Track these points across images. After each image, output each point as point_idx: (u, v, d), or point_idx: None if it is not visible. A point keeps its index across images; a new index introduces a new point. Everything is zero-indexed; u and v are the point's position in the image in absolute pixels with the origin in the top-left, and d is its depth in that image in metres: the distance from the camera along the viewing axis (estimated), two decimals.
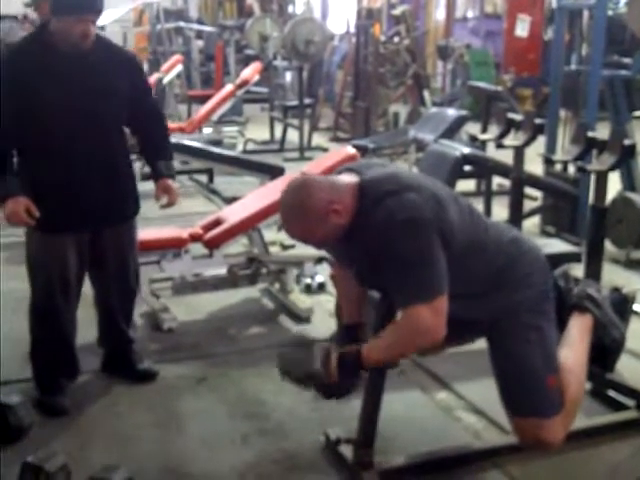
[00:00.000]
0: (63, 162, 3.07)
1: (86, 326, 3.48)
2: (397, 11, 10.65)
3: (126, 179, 3.27)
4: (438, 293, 2.32)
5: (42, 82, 2.99)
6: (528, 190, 5.51)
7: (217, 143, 7.64)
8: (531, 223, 5.73)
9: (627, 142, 3.99)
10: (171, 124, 6.41)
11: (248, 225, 4.13)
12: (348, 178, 2.45)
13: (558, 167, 5.78)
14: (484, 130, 7.15)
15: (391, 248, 2.32)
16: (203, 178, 7.31)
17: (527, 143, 4.78)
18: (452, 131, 6.84)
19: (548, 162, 5.46)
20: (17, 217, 3.01)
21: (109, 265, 3.30)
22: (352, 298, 2.75)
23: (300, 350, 2.51)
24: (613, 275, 4.55)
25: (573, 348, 2.71)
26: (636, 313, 3.60)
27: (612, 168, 3.98)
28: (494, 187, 6.11)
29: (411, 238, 2.30)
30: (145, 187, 3.65)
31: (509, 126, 4.98)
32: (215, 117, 8.47)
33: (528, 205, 5.73)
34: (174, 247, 4.08)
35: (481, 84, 8.67)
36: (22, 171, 3.10)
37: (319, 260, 4.26)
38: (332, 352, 2.45)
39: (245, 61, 11.74)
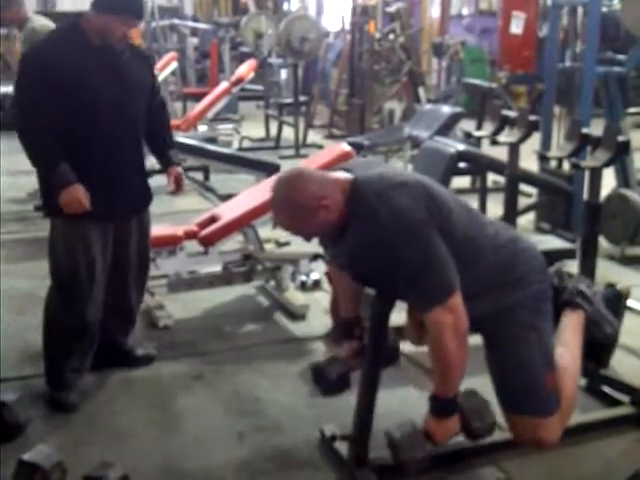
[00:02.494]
0: (102, 152, 3.17)
1: None
2: (392, 8, 10.62)
3: (145, 169, 3.41)
4: (450, 292, 2.35)
5: (84, 74, 3.10)
6: (523, 187, 5.52)
7: (212, 141, 7.62)
8: (526, 220, 5.73)
9: (621, 138, 4.00)
10: None
11: (243, 222, 4.13)
12: (341, 175, 2.46)
13: (553, 164, 5.79)
14: (479, 127, 7.16)
15: (393, 258, 2.34)
16: (199, 176, 7.30)
17: (522, 140, 4.79)
18: (447, 128, 6.84)
19: (543, 159, 5.47)
20: (75, 205, 3.05)
21: (130, 256, 3.38)
22: (348, 293, 2.77)
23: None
24: (608, 271, 4.56)
25: (567, 346, 2.72)
26: (630, 309, 3.62)
27: (606, 164, 3.99)
28: (489, 184, 6.11)
29: (410, 247, 2.32)
30: None
31: (503, 123, 4.99)
32: (210, 115, 8.45)
33: (523, 202, 5.74)
34: (169, 244, 4.07)
35: (476, 81, 8.68)
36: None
37: (314, 257, 4.27)
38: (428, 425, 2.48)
39: (240, 58, 11.71)
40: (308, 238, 2.62)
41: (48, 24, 6.12)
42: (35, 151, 3.09)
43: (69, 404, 3.21)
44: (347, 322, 2.77)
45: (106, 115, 3.13)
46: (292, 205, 2.39)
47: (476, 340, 2.69)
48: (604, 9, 5.58)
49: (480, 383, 2.76)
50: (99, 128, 3.13)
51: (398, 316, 2.73)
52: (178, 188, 3.49)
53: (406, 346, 3.00)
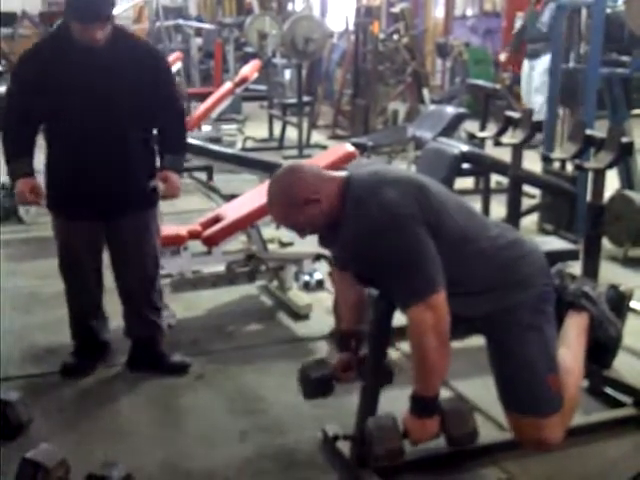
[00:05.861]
0: (76, 150, 3.23)
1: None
2: (396, 9, 10.64)
3: (141, 171, 3.32)
4: (432, 289, 2.34)
5: (61, 72, 3.16)
6: (526, 188, 5.52)
7: (216, 141, 7.64)
8: (529, 221, 5.73)
9: (625, 140, 4.00)
10: None
11: (247, 222, 4.14)
12: (337, 173, 2.52)
13: (556, 165, 5.78)
14: (483, 128, 7.15)
15: (378, 252, 2.36)
16: (202, 176, 7.31)
17: (525, 141, 4.79)
18: (451, 129, 6.83)
19: (546, 160, 5.47)
20: (23, 197, 3.27)
21: (126, 253, 3.41)
22: (350, 303, 2.77)
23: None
24: (611, 273, 4.56)
25: (570, 347, 2.72)
26: (633, 310, 3.62)
27: (609, 166, 3.99)
28: (492, 185, 6.11)
29: (395, 239, 2.33)
30: None
31: (507, 124, 4.99)
32: (214, 115, 8.46)
33: (526, 203, 5.74)
34: (173, 244, 4.08)
35: (480, 82, 8.67)
36: (47, 156, 3.33)
37: (317, 257, 4.27)
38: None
39: (244, 59, 11.72)
40: (301, 233, 2.58)
41: None
42: (4, 142, 3.27)
43: (79, 368, 3.48)
44: (344, 334, 2.77)
45: (77, 112, 3.18)
46: (283, 197, 2.47)
47: (477, 341, 2.69)
48: (608, 10, 5.55)
49: (480, 384, 2.77)
50: (67, 125, 3.21)
51: (400, 317, 2.73)
52: (167, 192, 3.38)
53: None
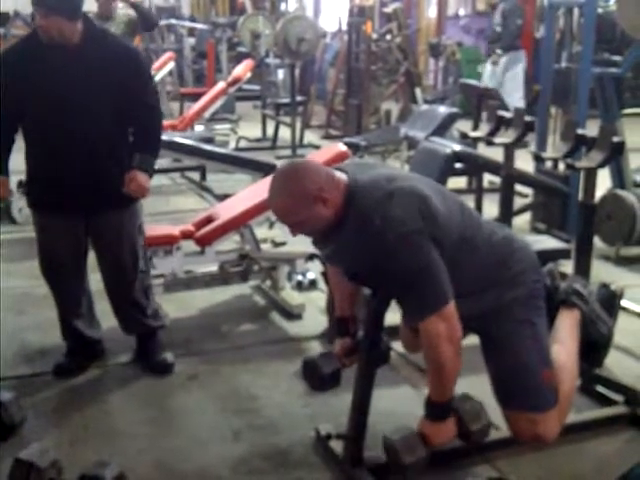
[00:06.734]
0: (48, 149, 3.27)
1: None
2: (389, 9, 10.64)
3: (117, 169, 3.29)
4: (445, 300, 2.36)
5: (31, 72, 3.18)
6: (519, 187, 5.53)
7: (209, 141, 7.61)
8: (522, 220, 5.75)
9: (616, 139, 4.01)
10: (163, 122, 6.40)
11: (240, 222, 4.14)
12: (341, 174, 2.46)
13: (549, 164, 5.80)
14: (475, 127, 7.17)
15: (387, 267, 2.35)
16: (195, 175, 7.31)
17: (517, 140, 4.80)
18: (443, 128, 6.84)
19: (538, 159, 5.48)
20: None
21: (104, 254, 3.44)
22: (344, 292, 2.78)
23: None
24: (602, 271, 4.58)
25: (564, 344, 2.74)
26: (624, 309, 3.63)
27: (601, 165, 4.01)
28: (485, 184, 6.13)
29: (405, 258, 2.32)
30: None
31: (499, 123, 5.00)
32: (207, 115, 8.46)
33: (519, 202, 5.76)
34: (166, 244, 4.08)
35: (472, 82, 8.69)
36: (26, 155, 3.36)
37: (310, 257, 4.28)
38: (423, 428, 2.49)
39: (237, 59, 11.72)
40: (299, 230, 2.51)
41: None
42: None
43: (59, 366, 3.49)
44: (341, 319, 2.79)
45: (48, 111, 3.20)
46: (294, 188, 2.36)
47: (472, 340, 2.70)
48: (600, 10, 5.57)
49: (477, 382, 2.78)
50: (39, 125, 3.25)
51: (392, 316, 2.74)
52: (130, 189, 3.30)
53: (401, 346, 3.02)
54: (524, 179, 5.56)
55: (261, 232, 4.37)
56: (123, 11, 6.37)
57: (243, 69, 8.89)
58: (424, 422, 2.49)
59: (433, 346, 2.38)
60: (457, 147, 5.64)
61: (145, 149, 3.38)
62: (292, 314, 4.16)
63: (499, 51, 9.55)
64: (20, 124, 3.30)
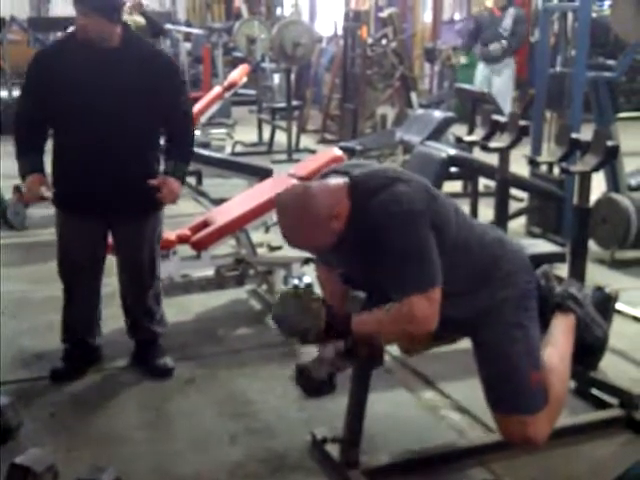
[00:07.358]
0: (78, 151, 3.28)
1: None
2: (384, 13, 10.65)
3: (141, 177, 3.30)
4: (433, 283, 2.37)
5: (69, 72, 3.20)
6: (514, 191, 5.55)
7: (205, 145, 7.64)
8: (517, 224, 5.76)
9: (610, 143, 4.03)
10: None
11: (236, 226, 4.15)
12: (338, 180, 2.47)
13: (544, 168, 5.82)
14: (470, 132, 7.18)
15: (386, 240, 2.35)
16: (191, 180, 7.31)
17: (512, 145, 4.82)
18: (439, 133, 6.85)
19: (533, 163, 5.50)
20: (31, 192, 3.32)
21: (126, 258, 3.47)
22: (337, 294, 2.79)
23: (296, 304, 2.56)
24: (597, 275, 4.59)
25: (556, 347, 2.74)
26: (619, 312, 3.65)
27: (595, 169, 4.02)
28: (480, 188, 6.14)
29: (406, 230, 2.34)
30: None
31: (494, 128, 5.01)
32: (203, 119, 8.47)
33: (514, 206, 5.77)
34: (162, 248, 4.07)
35: (467, 86, 8.71)
36: (54, 154, 3.37)
37: (306, 261, 4.29)
38: (322, 307, 2.53)
39: (233, 63, 11.73)
40: (317, 251, 2.60)
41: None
42: (15, 139, 3.31)
43: (55, 371, 3.47)
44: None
45: (78, 113, 3.22)
46: (306, 218, 2.37)
47: (463, 344, 2.71)
48: (594, 15, 5.60)
49: (467, 386, 2.80)
50: (69, 126, 3.27)
51: None
52: (162, 195, 3.34)
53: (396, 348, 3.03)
54: (519, 183, 5.58)
55: (257, 236, 4.39)
56: (130, 17, 6.40)
57: (239, 74, 8.91)
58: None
59: (402, 319, 2.37)
60: (452, 151, 5.66)
61: (179, 157, 3.44)
62: None
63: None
64: (52, 124, 3.32)
